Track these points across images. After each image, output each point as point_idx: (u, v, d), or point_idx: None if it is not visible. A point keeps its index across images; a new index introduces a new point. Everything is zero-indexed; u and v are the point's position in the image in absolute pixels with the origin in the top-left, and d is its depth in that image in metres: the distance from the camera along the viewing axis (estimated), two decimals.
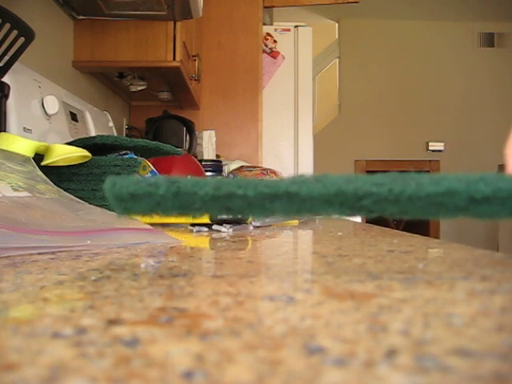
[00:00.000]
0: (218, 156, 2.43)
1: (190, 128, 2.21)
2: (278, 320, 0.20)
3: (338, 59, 4.74)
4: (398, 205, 0.26)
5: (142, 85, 2.06)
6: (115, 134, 1.87)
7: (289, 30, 2.92)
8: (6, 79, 0.92)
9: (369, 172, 4.67)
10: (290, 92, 2.90)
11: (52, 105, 1.20)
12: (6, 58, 0.89)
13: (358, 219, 1.27)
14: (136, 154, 0.87)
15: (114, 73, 1.91)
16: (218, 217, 0.64)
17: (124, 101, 2.43)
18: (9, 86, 0.92)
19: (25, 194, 0.50)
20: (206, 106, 2.60)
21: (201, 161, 1.91)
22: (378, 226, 0.81)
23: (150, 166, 0.84)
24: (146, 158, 0.82)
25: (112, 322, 0.19)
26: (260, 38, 2.67)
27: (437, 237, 4.39)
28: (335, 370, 0.14)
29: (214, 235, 0.60)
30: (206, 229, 0.65)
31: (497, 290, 0.26)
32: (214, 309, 0.22)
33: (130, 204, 0.27)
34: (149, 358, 0.15)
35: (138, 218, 0.62)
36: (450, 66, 4.71)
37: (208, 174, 1.90)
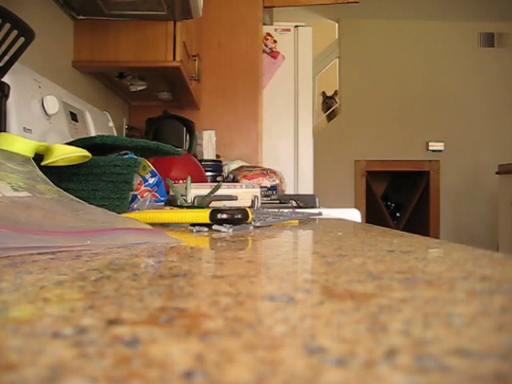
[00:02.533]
0: (217, 156, 2.43)
1: (190, 128, 2.21)
2: (278, 320, 0.20)
3: (338, 59, 4.74)
4: None
5: (141, 85, 2.06)
6: (115, 134, 1.87)
7: (289, 29, 2.92)
8: (6, 79, 0.92)
9: (369, 172, 4.67)
10: (290, 92, 2.90)
11: (52, 105, 1.20)
12: (6, 57, 0.89)
13: (358, 219, 1.27)
14: (136, 154, 0.87)
15: (114, 73, 1.91)
16: (218, 217, 0.64)
17: (124, 101, 2.43)
18: (9, 86, 0.92)
19: (25, 193, 0.50)
20: (206, 106, 2.60)
21: (201, 161, 1.91)
22: (378, 226, 0.80)
23: (150, 165, 0.83)
24: (146, 158, 0.82)
25: (112, 322, 0.19)
26: (260, 38, 2.67)
27: (437, 237, 4.39)
28: (335, 369, 0.14)
29: (214, 235, 0.60)
30: (206, 229, 0.65)
31: (497, 290, 0.26)
32: (214, 309, 0.22)
33: None
34: (149, 358, 0.15)
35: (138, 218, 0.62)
36: (449, 66, 4.71)
37: (208, 173, 1.90)
